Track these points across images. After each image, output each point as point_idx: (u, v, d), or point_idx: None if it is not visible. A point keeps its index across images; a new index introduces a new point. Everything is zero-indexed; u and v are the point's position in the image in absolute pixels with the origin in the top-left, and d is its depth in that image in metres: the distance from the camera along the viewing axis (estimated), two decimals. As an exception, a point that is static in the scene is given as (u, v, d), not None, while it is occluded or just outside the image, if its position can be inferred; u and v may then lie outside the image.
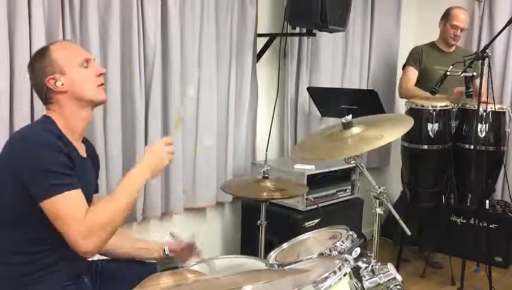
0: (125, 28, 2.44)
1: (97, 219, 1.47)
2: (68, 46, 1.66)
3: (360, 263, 1.52)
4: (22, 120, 2.09)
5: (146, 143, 2.58)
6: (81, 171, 1.59)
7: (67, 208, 1.45)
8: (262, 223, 2.41)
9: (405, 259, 3.63)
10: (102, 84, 1.64)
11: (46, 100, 1.61)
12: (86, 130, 1.70)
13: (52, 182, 1.44)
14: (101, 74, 1.64)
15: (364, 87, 3.83)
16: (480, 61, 2.88)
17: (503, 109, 3.18)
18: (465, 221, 3.59)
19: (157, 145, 1.66)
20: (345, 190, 3.16)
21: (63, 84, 1.57)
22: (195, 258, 1.80)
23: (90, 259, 1.77)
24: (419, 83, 3.58)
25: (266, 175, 2.32)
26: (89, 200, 1.67)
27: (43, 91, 1.59)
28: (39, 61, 1.59)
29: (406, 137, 3.21)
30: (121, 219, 1.52)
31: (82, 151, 1.67)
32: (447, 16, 3.54)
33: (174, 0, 2.58)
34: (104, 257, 1.83)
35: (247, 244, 3.06)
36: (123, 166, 2.50)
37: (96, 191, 1.84)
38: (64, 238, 1.45)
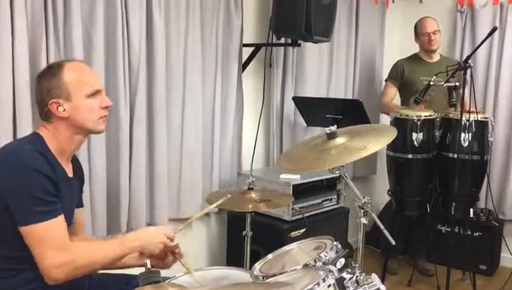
0: (110, 37, 2.42)
1: (81, 257, 1.48)
2: (83, 70, 1.63)
3: (344, 274, 1.53)
4: (7, 134, 2.06)
5: (131, 153, 2.56)
6: (66, 192, 1.59)
7: (46, 236, 1.44)
8: (247, 234, 2.41)
9: (392, 272, 3.64)
10: (105, 116, 1.63)
11: (44, 117, 1.60)
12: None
13: (35, 209, 1.44)
14: (106, 107, 1.63)
15: (349, 97, 3.86)
16: (462, 71, 2.93)
17: (486, 118, 3.22)
18: (449, 229, 3.62)
19: (158, 231, 1.68)
20: (331, 199, 3.17)
21: (64, 111, 1.56)
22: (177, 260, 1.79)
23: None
24: (405, 95, 3.62)
25: (251, 186, 2.31)
26: (71, 218, 1.68)
27: (43, 109, 1.58)
28: (49, 78, 1.57)
29: (391, 146, 3.24)
30: (99, 268, 1.55)
31: (69, 171, 1.67)
32: (416, 30, 3.65)
33: (159, 10, 2.58)
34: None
35: (233, 255, 3.05)
36: (107, 177, 2.47)
37: (81, 205, 1.83)
38: (37, 263, 1.45)
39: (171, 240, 1.67)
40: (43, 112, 1.58)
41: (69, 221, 1.66)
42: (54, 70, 1.58)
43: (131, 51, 2.49)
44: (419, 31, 3.61)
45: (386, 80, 3.77)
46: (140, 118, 2.57)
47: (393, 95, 3.70)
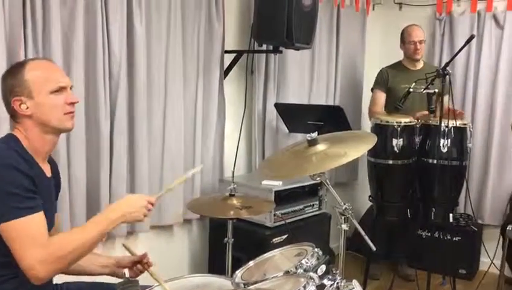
0: (90, 43, 2.40)
1: (62, 246, 1.44)
2: (46, 67, 1.61)
3: (325, 281, 1.54)
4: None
5: (111, 161, 2.54)
6: (46, 191, 1.58)
7: (26, 231, 1.41)
8: (229, 241, 2.40)
9: (374, 277, 3.66)
10: (70, 113, 1.60)
11: (13, 117, 1.60)
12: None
13: (13, 204, 1.41)
14: (71, 103, 1.60)
15: (331, 103, 3.88)
16: (441, 78, 2.97)
17: (464, 124, 3.27)
18: (429, 234, 3.66)
19: (138, 196, 1.63)
20: (313, 205, 3.17)
21: (27, 108, 1.54)
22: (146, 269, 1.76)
23: (55, 282, 1.73)
24: (388, 103, 3.66)
25: (233, 193, 2.31)
26: (52, 217, 1.65)
27: (9, 109, 1.58)
28: (11, 77, 1.56)
29: (372, 152, 3.26)
30: (85, 251, 1.49)
31: (47, 171, 1.65)
32: (402, 37, 3.68)
33: (139, 17, 2.57)
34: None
35: (215, 262, 3.03)
36: (87, 185, 2.45)
37: (56, 210, 1.80)
38: (18, 261, 1.41)
39: (152, 204, 1.62)
40: (9, 111, 1.58)
41: (52, 220, 1.64)
42: (16, 68, 1.57)
43: (111, 57, 2.48)
44: (405, 39, 3.64)
45: (373, 89, 3.77)
46: (120, 124, 2.55)
47: (383, 102, 3.69)
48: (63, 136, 2.29)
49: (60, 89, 1.57)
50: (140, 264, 1.78)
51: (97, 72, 2.42)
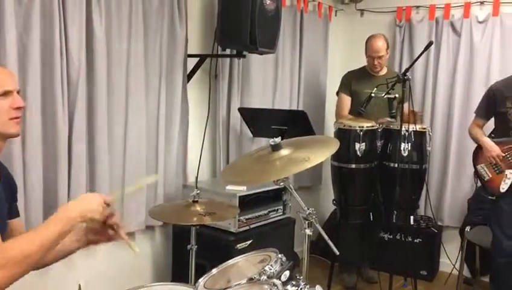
0: (47, 47, 2.32)
1: (19, 251, 1.36)
2: None
3: (289, 287, 1.53)
4: None
5: (69, 167, 2.46)
6: None
7: None
8: (192, 248, 2.36)
9: (349, 285, 3.69)
10: (16, 118, 1.53)
11: None
12: (4, 152, 1.58)
13: None
14: (17, 108, 1.53)
15: (294, 108, 3.90)
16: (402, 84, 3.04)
17: (424, 128, 3.35)
18: (391, 237, 3.72)
19: (93, 194, 1.57)
20: (277, 210, 3.17)
21: None
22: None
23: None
24: (351, 107, 3.69)
25: (196, 199, 2.28)
26: (3, 225, 1.57)
27: None
28: None
29: (335, 156, 3.29)
30: (44, 253, 1.41)
31: None
32: (365, 47, 3.64)
33: (99, 20, 2.50)
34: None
35: (178, 269, 2.99)
36: (44, 192, 2.36)
37: (17, 215, 1.72)
38: None
39: (108, 204, 1.56)
40: None
41: (2, 226, 1.56)
42: None
43: (70, 63, 2.40)
44: (366, 51, 3.62)
45: (338, 93, 3.79)
46: (80, 131, 2.48)
47: (349, 105, 3.70)
48: (17, 144, 2.22)
49: (5, 93, 1.50)
50: (110, 227, 1.69)
51: (54, 79, 2.34)
